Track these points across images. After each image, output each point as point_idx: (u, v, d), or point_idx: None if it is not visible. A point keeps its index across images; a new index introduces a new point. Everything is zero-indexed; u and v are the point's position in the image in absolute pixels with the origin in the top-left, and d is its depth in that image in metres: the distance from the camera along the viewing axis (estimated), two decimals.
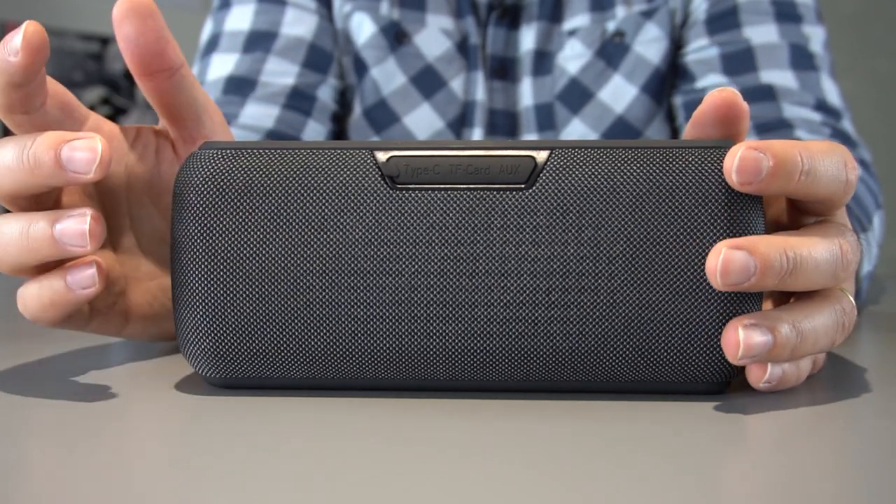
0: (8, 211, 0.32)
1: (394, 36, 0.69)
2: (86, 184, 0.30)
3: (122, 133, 0.37)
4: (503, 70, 0.71)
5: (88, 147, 0.29)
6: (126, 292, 0.36)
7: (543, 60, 0.70)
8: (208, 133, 0.37)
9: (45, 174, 0.29)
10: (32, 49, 0.29)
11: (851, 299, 0.31)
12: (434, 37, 0.70)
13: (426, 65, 0.70)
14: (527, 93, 0.70)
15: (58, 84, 0.34)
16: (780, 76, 0.65)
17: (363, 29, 0.70)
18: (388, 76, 0.70)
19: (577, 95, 0.70)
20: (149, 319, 0.37)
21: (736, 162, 0.28)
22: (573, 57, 0.70)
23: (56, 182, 0.30)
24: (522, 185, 0.29)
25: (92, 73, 3.20)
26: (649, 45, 0.69)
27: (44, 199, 0.33)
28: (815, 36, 0.67)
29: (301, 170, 0.30)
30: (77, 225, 0.30)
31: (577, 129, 0.69)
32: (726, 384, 0.30)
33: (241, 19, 0.69)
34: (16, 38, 0.29)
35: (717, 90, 0.30)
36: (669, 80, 0.71)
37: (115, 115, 3.28)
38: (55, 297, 0.31)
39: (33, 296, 0.31)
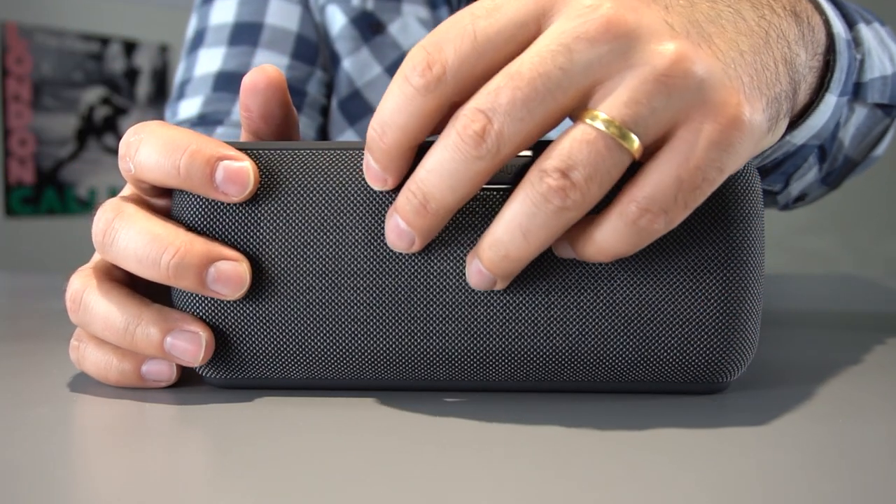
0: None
1: (367, 26, 0.69)
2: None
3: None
4: None
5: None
6: None
7: None
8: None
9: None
10: None
11: (601, 125, 0.23)
12: (410, 25, 0.69)
13: (402, 53, 0.69)
14: None
15: None
16: None
17: (336, 20, 0.69)
18: (362, 67, 0.69)
19: None
20: None
21: None
22: None
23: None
24: None
25: (92, 73, 3.20)
26: None
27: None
28: None
29: (300, 170, 0.30)
30: (191, 345, 0.30)
31: None
32: (726, 384, 0.30)
33: (225, 12, 0.68)
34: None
35: None
36: None
37: (116, 114, 3.28)
38: (121, 378, 0.31)
39: (97, 364, 0.31)
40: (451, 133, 0.24)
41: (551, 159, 0.24)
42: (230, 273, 0.29)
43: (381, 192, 0.29)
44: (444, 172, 0.25)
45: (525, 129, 0.24)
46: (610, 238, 0.25)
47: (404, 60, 0.25)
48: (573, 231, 0.26)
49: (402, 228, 0.26)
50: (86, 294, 0.31)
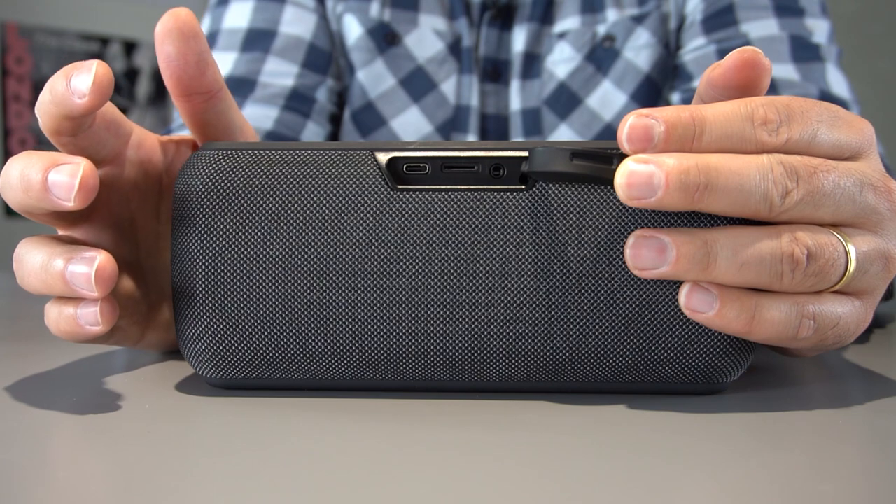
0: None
1: (383, 37, 0.69)
2: (70, 210, 0.29)
3: (162, 147, 0.36)
4: (496, 72, 0.70)
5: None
6: (148, 311, 0.36)
7: (532, 63, 0.70)
8: None
9: (35, 196, 0.28)
10: (100, 93, 0.29)
11: (847, 248, 0.28)
12: (426, 37, 0.69)
13: (416, 66, 0.69)
14: (514, 96, 0.70)
15: (107, 102, 0.32)
16: (780, 69, 0.63)
17: (351, 30, 0.69)
18: (375, 78, 0.69)
19: (565, 101, 0.69)
20: (164, 335, 0.37)
21: (626, 130, 0.26)
22: (562, 61, 0.69)
23: (46, 206, 0.29)
24: (523, 186, 0.29)
25: None
26: (640, 52, 0.69)
27: (67, 217, 0.32)
28: (819, 28, 0.65)
29: (302, 171, 0.30)
30: (84, 269, 0.29)
31: (564, 136, 0.68)
32: (725, 385, 0.30)
33: (239, 16, 0.68)
34: (84, 79, 0.28)
35: (738, 50, 0.28)
36: (666, 84, 0.70)
37: None
38: (66, 326, 0.31)
39: (52, 317, 0.31)
40: (759, 186, 0.26)
41: (807, 237, 0.27)
42: (66, 171, 0.28)
43: (382, 193, 0.29)
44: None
45: (808, 214, 0.27)
46: (771, 311, 0.27)
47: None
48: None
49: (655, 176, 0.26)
50: (19, 248, 0.31)
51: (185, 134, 0.38)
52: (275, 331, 0.30)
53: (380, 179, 0.30)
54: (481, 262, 0.29)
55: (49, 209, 0.29)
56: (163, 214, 0.37)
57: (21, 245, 0.31)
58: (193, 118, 0.35)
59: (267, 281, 0.30)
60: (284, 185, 0.30)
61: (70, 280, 0.29)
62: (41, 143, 3.10)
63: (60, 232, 0.34)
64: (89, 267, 0.29)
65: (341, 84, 0.71)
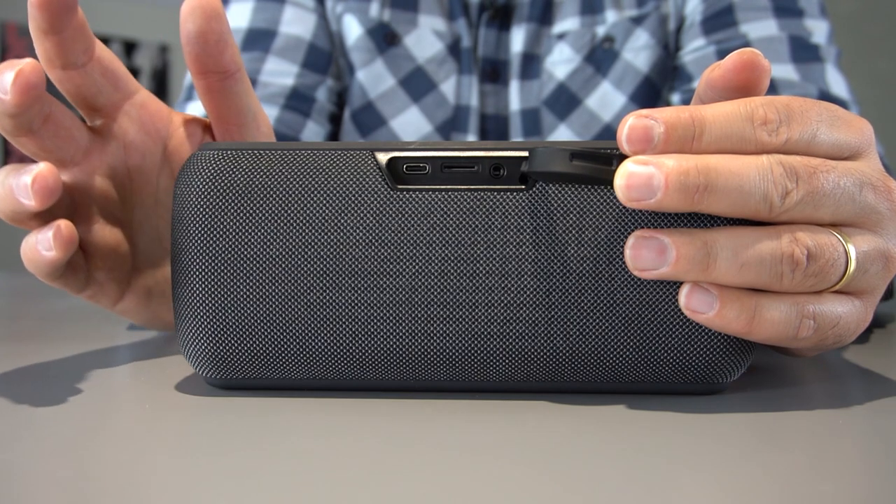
0: None
1: (382, 37, 0.69)
2: (12, 112, 0.30)
3: (169, 115, 0.37)
4: (495, 73, 0.70)
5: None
6: (131, 271, 0.36)
7: (531, 64, 0.70)
8: (251, 140, 0.37)
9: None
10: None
11: (847, 248, 0.27)
12: (425, 38, 0.69)
13: (416, 66, 0.69)
14: (514, 97, 0.70)
15: (108, 51, 0.34)
16: (779, 69, 0.64)
17: (351, 30, 0.69)
18: (375, 78, 0.69)
19: (565, 101, 0.69)
20: (143, 302, 0.37)
21: (625, 131, 0.26)
22: (561, 62, 0.69)
23: None
24: (523, 187, 0.29)
25: None
26: (639, 53, 0.69)
27: (56, 156, 0.33)
28: (818, 29, 0.65)
29: (301, 171, 0.30)
30: (25, 179, 0.30)
31: (563, 136, 0.69)
32: (726, 384, 0.30)
33: (239, 16, 0.68)
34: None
35: (737, 52, 0.28)
36: (665, 85, 0.71)
37: None
38: (29, 253, 0.31)
39: (23, 247, 0.32)
40: (759, 186, 0.26)
41: (807, 237, 0.27)
42: (9, 67, 0.29)
43: (382, 193, 0.29)
44: (732, 189, 0.26)
45: (808, 214, 0.27)
46: (771, 311, 0.27)
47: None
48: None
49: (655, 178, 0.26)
50: None
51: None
52: (274, 331, 0.30)
53: (380, 179, 0.30)
54: (481, 262, 0.29)
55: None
56: (163, 183, 0.37)
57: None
58: (210, 97, 0.36)
59: (267, 281, 0.30)
60: (284, 185, 0.30)
61: (15, 192, 0.30)
62: None
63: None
64: (27, 176, 0.30)
65: (341, 84, 0.71)
